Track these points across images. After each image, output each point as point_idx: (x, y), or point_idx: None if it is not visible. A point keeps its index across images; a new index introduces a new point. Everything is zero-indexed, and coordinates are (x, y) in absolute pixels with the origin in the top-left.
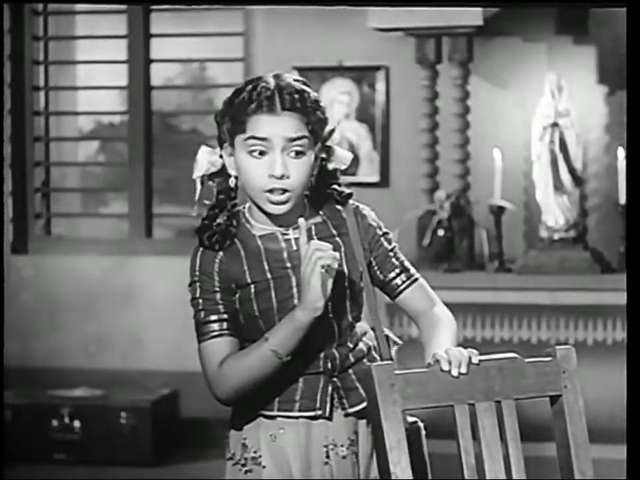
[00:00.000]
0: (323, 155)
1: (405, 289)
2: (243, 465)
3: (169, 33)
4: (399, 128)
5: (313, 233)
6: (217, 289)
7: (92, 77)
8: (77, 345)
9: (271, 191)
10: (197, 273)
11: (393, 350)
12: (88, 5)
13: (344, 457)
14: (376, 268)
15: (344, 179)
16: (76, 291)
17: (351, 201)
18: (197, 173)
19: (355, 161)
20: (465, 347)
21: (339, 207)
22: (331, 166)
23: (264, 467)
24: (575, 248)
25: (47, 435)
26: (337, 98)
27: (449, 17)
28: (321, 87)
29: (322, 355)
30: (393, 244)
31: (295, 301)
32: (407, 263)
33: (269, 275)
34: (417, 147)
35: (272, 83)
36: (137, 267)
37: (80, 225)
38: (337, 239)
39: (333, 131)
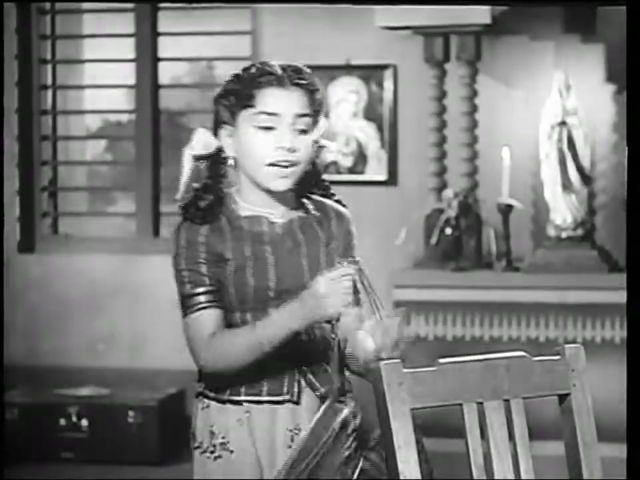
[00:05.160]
0: (317, 146)
1: None
2: (212, 452)
3: (177, 31)
4: (406, 126)
5: (297, 225)
6: (203, 261)
7: (99, 76)
8: (84, 343)
9: (274, 165)
10: (182, 244)
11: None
12: (95, 3)
13: None
14: None
15: (353, 177)
16: (83, 289)
17: (327, 201)
18: (192, 152)
19: (363, 159)
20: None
21: (322, 200)
22: (318, 161)
23: (232, 451)
24: (582, 246)
25: (55, 434)
26: (345, 97)
27: (457, 15)
28: (328, 86)
29: None
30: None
31: (271, 283)
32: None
33: (248, 254)
34: (424, 146)
35: (277, 63)
36: (144, 265)
37: (87, 224)
38: (317, 227)
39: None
